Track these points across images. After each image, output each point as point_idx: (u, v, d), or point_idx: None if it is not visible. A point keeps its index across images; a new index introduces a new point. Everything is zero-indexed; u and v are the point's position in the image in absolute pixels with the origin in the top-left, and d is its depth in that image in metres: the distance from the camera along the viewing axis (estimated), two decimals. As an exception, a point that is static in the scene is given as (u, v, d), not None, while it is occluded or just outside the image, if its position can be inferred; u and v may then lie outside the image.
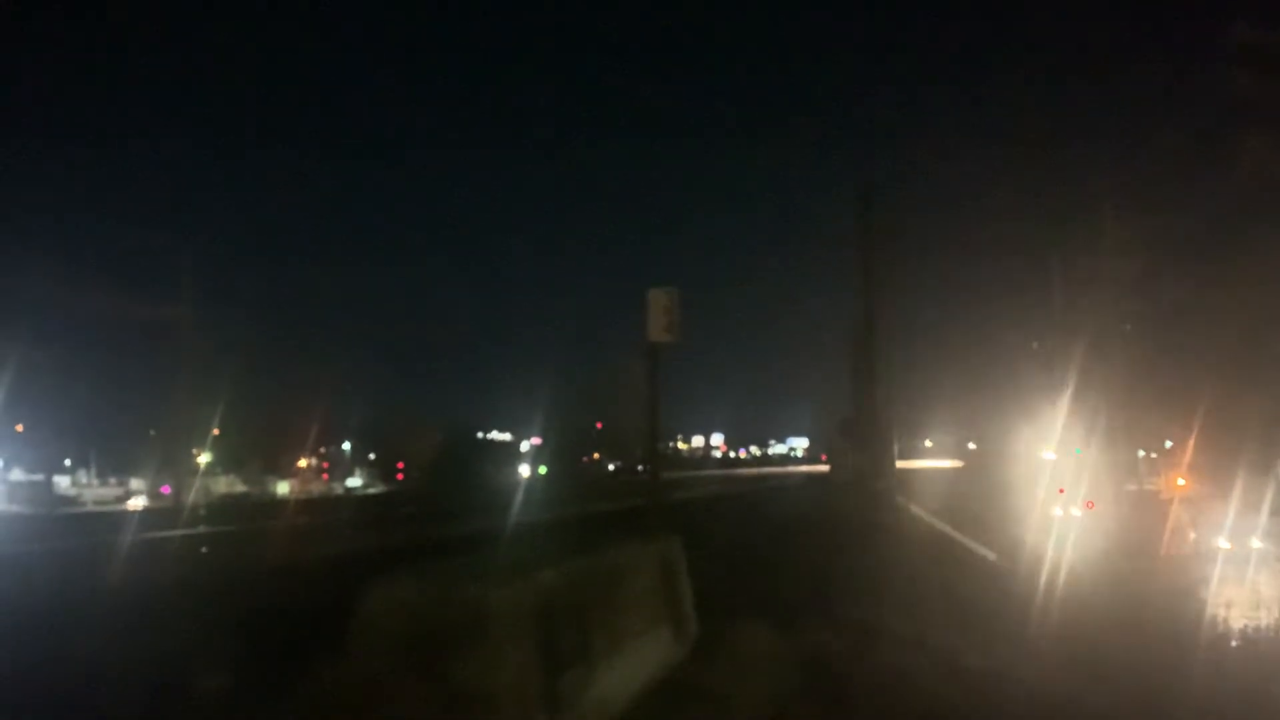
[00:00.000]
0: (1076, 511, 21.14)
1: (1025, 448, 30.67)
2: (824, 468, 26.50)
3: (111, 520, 26.11)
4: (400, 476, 62.92)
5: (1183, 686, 8.04)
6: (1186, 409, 24.67)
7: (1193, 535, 18.82)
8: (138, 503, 45.42)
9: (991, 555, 16.48)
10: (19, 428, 51.42)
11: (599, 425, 69.57)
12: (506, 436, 79.38)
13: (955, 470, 47.32)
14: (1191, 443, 25.16)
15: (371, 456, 67.29)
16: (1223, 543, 17.07)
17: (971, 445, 50.54)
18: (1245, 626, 11.58)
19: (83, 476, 57.05)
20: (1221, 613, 12.40)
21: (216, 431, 45.61)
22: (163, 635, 7.79)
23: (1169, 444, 33.92)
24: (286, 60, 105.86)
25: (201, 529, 20.98)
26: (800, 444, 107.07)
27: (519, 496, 30.08)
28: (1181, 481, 25.78)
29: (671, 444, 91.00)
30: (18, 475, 51.02)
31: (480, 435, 78.66)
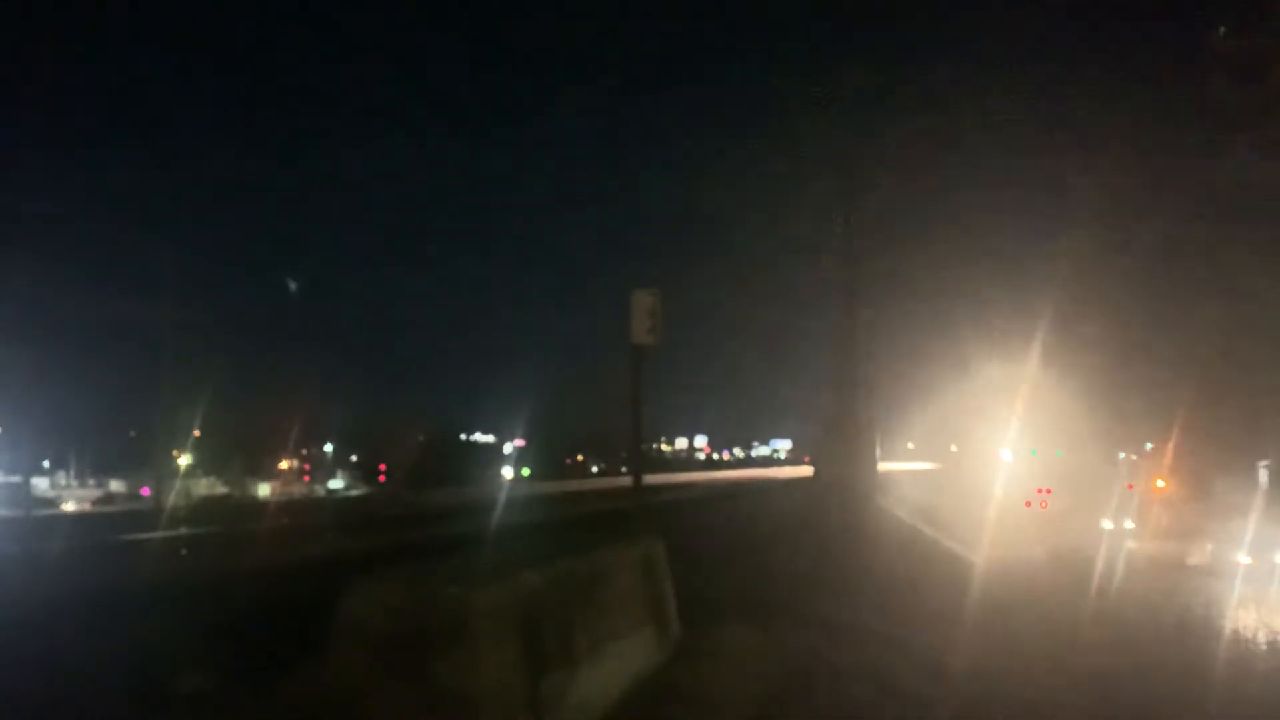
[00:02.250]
0: (1129, 524, 20.31)
1: (1005, 450, 30.92)
2: (807, 470, 26.57)
3: (90, 522, 25.90)
4: (382, 479, 62.74)
5: (1175, 694, 8.07)
6: (1166, 411, 24.87)
7: (1209, 547, 17.37)
8: (70, 506, 44.47)
9: (974, 557, 16.54)
10: (-4, 428, 51.00)
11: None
12: (490, 438, 79.31)
13: (936, 472, 47.49)
14: (1171, 445, 25.35)
15: (354, 458, 67.09)
16: (1243, 557, 15.79)
17: (954, 448, 50.78)
18: (1259, 640, 11.25)
19: (62, 478, 56.66)
20: (1209, 615, 12.25)
21: (197, 433, 45.37)
22: (142, 637, 7.72)
23: (1149, 446, 34.21)
24: (272, 55, 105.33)
25: (182, 530, 20.79)
26: (783, 445, 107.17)
27: (502, 498, 29.97)
28: (1161, 484, 25.96)
29: (655, 445, 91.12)
30: (-4, 477, 50.58)
31: (463, 437, 78.57)
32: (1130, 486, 27.85)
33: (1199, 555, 17.25)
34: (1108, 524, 20.28)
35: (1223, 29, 19.99)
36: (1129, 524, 20.42)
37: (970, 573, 14.86)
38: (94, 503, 49.56)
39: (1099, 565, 15.68)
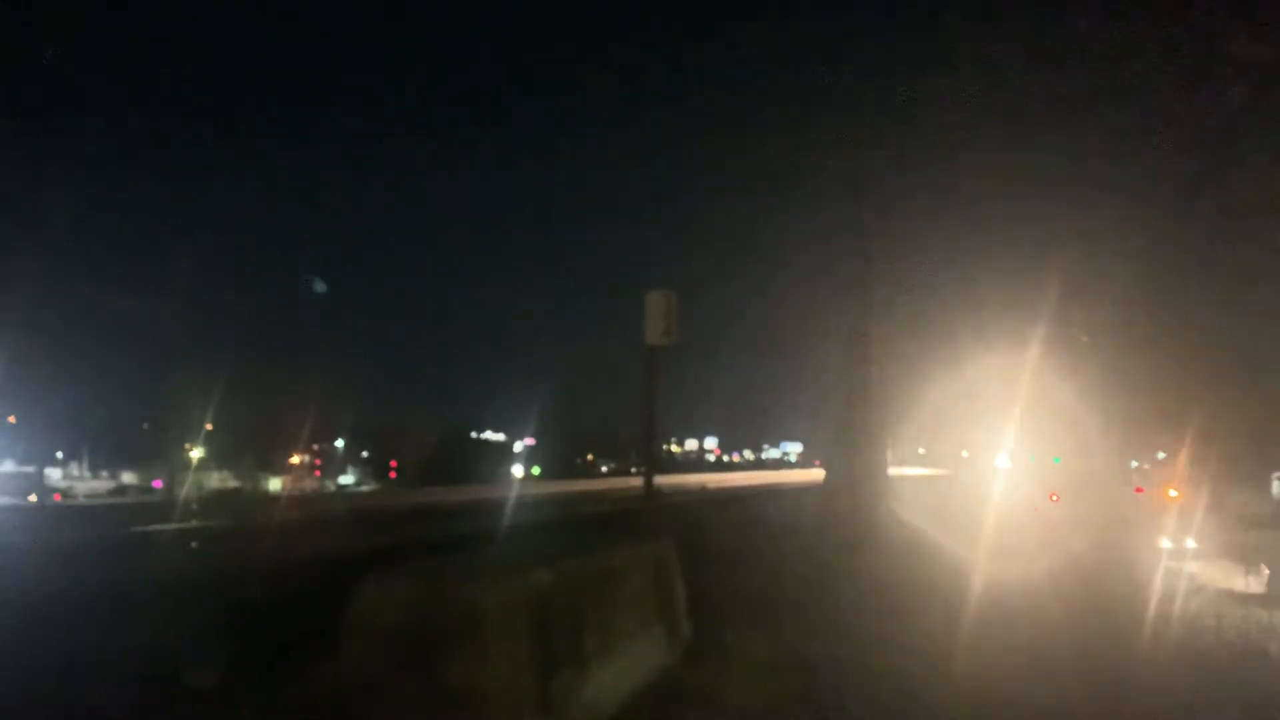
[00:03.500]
0: (1191, 543, 18.26)
1: (1015, 456, 30.84)
2: (818, 473, 26.60)
3: (102, 513, 26.04)
4: (393, 475, 62.91)
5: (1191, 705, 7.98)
6: (1179, 419, 24.76)
7: (1266, 571, 15.38)
8: (34, 498, 43.07)
9: (982, 563, 16.47)
10: (11, 419, 51.39)
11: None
12: (500, 437, 79.47)
13: (948, 478, 47.43)
14: (1184, 453, 25.23)
15: (365, 454, 67.28)
16: None
17: (965, 453, 50.74)
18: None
19: (74, 469, 56.99)
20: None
21: (209, 426, 45.60)
22: (153, 629, 7.76)
23: (1161, 455, 34.11)
24: (283, 50, 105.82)
25: (193, 524, 20.91)
26: (794, 448, 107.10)
27: (512, 497, 30.03)
28: (1174, 493, 25.85)
29: (665, 447, 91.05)
30: (9, 467, 50.94)
31: (474, 435, 78.75)
32: (1140, 490, 27.59)
33: (1256, 581, 15.62)
34: (1166, 543, 17.98)
35: (1241, 38, 19.89)
36: (1191, 543, 17.83)
37: (983, 579, 14.79)
38: (108, 493, 49.75)
39: (1117, 577, 15.21)
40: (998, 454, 31.52)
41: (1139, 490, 27.51)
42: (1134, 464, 37.71)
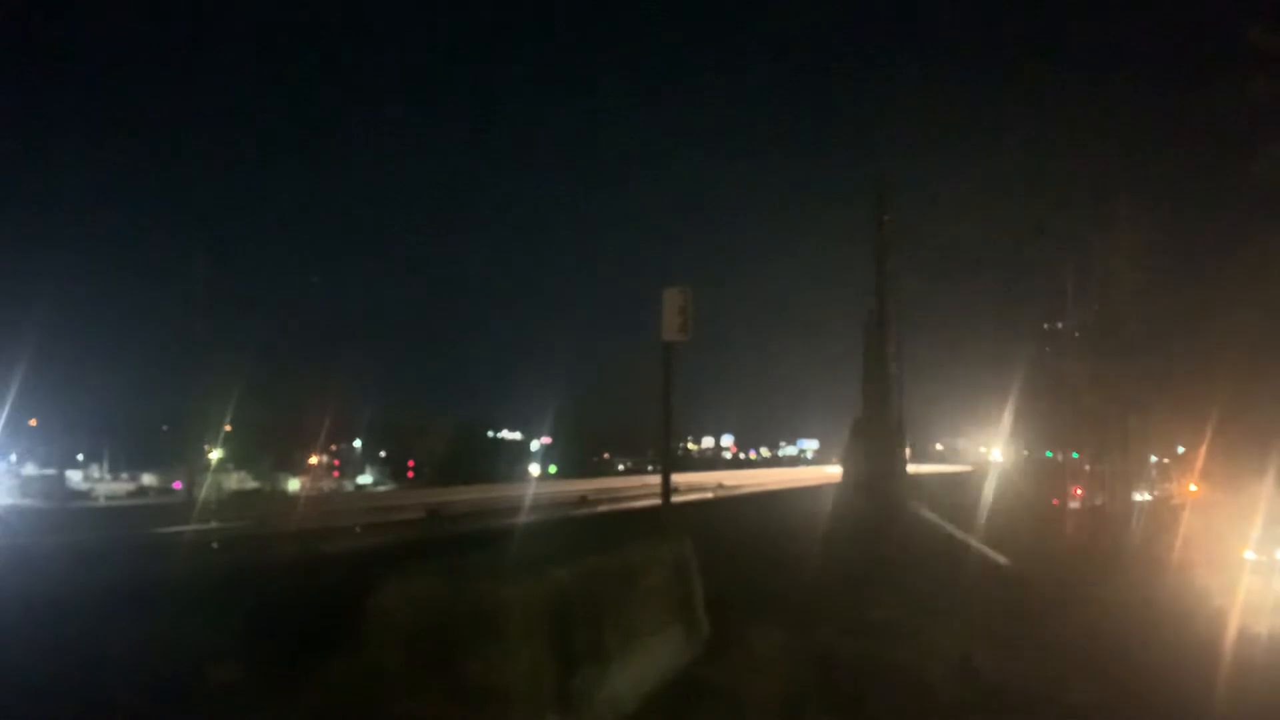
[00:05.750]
0: None
1: (1034, 452, 30.72)
2: (835, 470, 26.56)
3: (123, 515, 26.22)
4: (411, 474, 63.05)
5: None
6: (1200, 414, 24.52)
7: None
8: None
9: (1002, 559, 16.41)
10: (32, 422, 51.75)
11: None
12: (517, 435, 79.56)
13: (965, 474, 47.24)
14: (1204, 448, 24.96)
15: (382, 454, 67.44)
16: None
17: (982, 449, 50.47)
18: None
19: (95, 471, 57.37)
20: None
21: (228, 428, 45.77)
22: (174, 628, 7.80)
23: (1181, 449, 33.86)
24: (296, 48, 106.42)
25: (213, 524, 20.99)
26: (810, 446, 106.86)
27: (528, 495, 29.95)
28: (1194, 488, 25.66)
29: (682, 445, 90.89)
30: (31, 469, 51.32)
31: (491, 434, 78.87)
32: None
33: None
34: (1250, 554, 15.84)
35: (1261, 28, 19.73)
36: None
37: (1004, 575, 14.74)
38: (128, 494, 50.01)
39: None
40: (1010, 450, 31.40)
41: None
42: (1153, 459, 37.44)
